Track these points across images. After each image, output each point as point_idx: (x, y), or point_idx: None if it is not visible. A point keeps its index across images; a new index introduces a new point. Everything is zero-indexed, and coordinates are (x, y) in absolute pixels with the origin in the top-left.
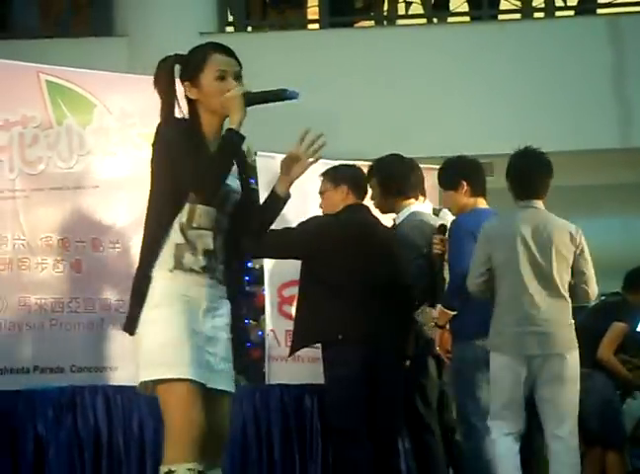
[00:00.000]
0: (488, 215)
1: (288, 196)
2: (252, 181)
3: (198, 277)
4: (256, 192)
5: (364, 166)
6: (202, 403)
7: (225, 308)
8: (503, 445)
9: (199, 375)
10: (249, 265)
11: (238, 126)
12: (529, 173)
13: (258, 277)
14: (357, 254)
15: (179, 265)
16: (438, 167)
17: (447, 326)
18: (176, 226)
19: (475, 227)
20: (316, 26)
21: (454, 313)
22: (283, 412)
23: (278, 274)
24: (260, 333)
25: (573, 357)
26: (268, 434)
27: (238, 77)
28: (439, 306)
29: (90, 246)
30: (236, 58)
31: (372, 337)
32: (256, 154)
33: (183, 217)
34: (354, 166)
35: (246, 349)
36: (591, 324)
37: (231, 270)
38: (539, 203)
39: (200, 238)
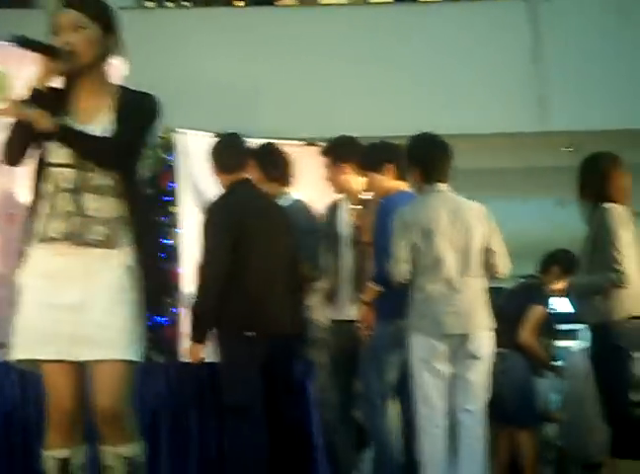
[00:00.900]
0: (412, 198)
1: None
2: (170, 157)
3: (59, 246)
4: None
5: (288, 145)
6: (72, 379)
7: (107, 272)
8: (430, 427)
9: (51, 353)
10: (164, 241)
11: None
12: (436, 157)
13: (172, 255)
14: (240, 234)
15: (41, 235)
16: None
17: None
18: (41, 193)
19: (401, 207)
20: (241, 3)
21: (381, 291)
22: (198, 388)
23: (193, 251)
24: (174, 310)
25: (488, 337)
26: (182, 410)
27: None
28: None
29: (5, 221)
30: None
31: (267, 316)
32: (174, 131)
33: (46, 183)
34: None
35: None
36: (509, 306)
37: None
38: (445, 186)
39: (61, 201)
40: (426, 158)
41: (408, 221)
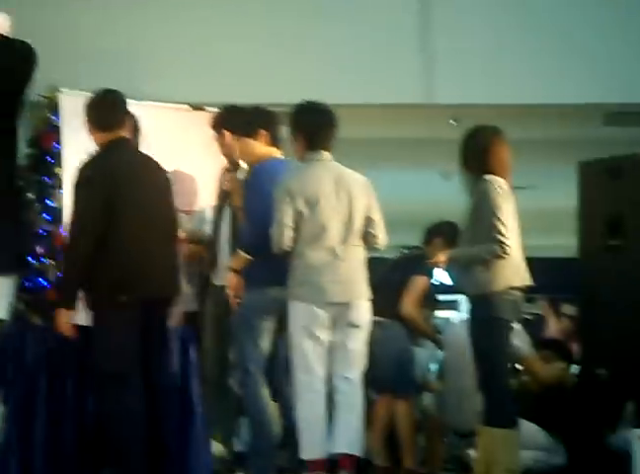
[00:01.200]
0: (285, 165)
1: None
2: (55, 118)
3: None
4: None
5: (174, 109)
6: None
7: None
8: (309, 393)
9: None
10: (48, 203)
11: None
12: (320, 125)
13: (56, 217)
14: (112, 196)
15: None
16: None
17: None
18: None
19: (276, 175)
20: None
21: (250, 258)
22: (80, 352)
23: None
24: (59, 274)
25: (367, 305)
26: (62, 372)
27: None
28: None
29: None
30: None
31: (142, 279)
32: (59, 91)
33: None
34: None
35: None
36: (392, 276)
37: None
38: (329, 155)
39: None
40: (310, 126)
41: (292, 189)
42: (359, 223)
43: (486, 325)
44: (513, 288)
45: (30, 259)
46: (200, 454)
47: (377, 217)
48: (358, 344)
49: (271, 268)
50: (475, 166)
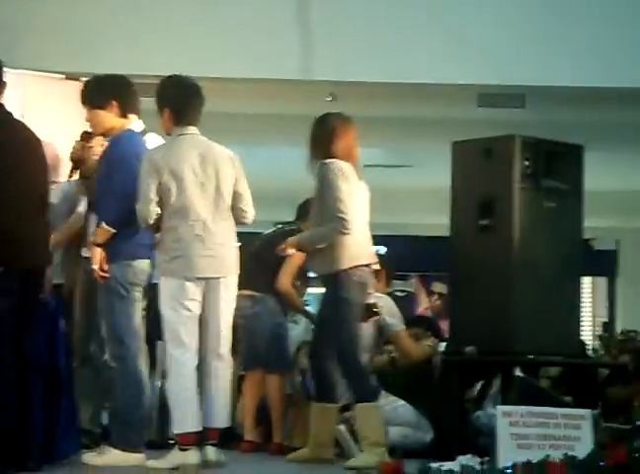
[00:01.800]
0: (140, 138)
1: None
2: None
3: None
4: None
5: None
6: None
7: None
8: (180, 367)
9: None
10: None
11: None
12: (187, 99)
13: None
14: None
15: None
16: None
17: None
18: None
19: (136, 147)
20: None
21: (113, 232)
22: None
23: None
24: None
25: (235, 280)
26: None
27: None
28: (102, 224)
29: None
30: None
31: (18, 250)
32: None
33: None
34: None
35: None
36: (266, 251)
37: None
38: (196, 130)
39: None
40: (176, 101)
41: (158, 163)
42: (227, 198)
43: (332, 303)
44: (358, 266)
45: None
46: (68, 428)
47: (245, 192)
48: (227, 319)
49: (137, 240)
50: (320, 151)
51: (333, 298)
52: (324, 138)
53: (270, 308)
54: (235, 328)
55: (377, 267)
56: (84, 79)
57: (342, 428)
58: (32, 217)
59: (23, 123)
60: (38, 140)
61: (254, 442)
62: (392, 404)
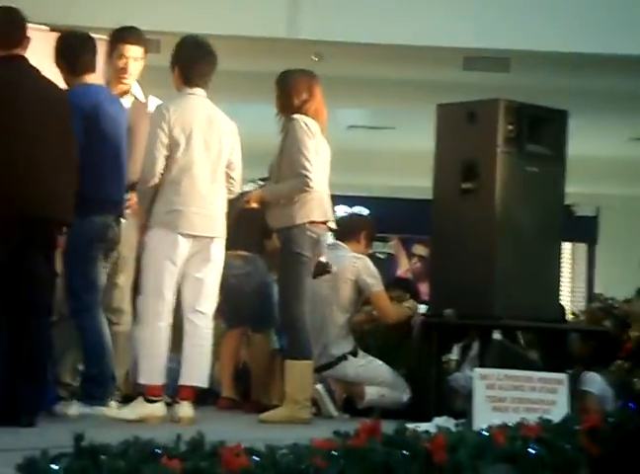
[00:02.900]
0: (100, 91)
1: None
2: None
3: None
4: None
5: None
6: None
7: None
8: (156, 320)
9: None
10: None
11: None
12: (197, 62)
13: None
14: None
15: None
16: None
17: None
18: None
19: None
20: None
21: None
22: None
23: None
24: None
25: (223, 242)
26: None
27: None
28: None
29: None
30: None
31: (17, 196)
32: None
33: None
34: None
35: None
36: (255, 211)
37: None
38: (203, 92)
39: None
40: (186, 61)
41: (169, 117)
42: (224, 163)
43: (285, 258)
44: (313, 222)
45: None
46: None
47: (239, 163)
48: (214, 278)
49: (100, 195)
50: (287, 107)
51: (286, 253)
52: (288, 95)
53: (258, 268)
54: (221, 287)
55: (333, 225)
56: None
57: (319, 387)
58: (42, 168)
59: (43, 77)
60: (58, 93)
61: (231, 399)
62: (370, 363)
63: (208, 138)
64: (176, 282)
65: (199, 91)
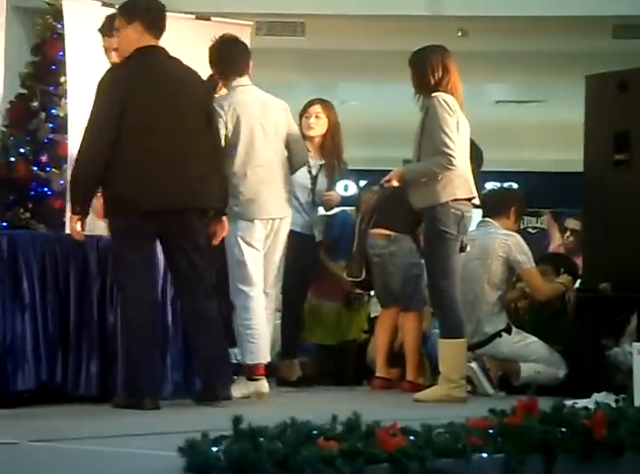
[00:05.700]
0: None
1: None
2: (59, 26)
3: None
4: None
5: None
6: None
7: None
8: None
9: None
10: (53, 111)
11: None
12: (239, 56)
13: (61, 126)
14: (131, 101)
15: None
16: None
17: None
18: None
19: None
20: None
21: None
22: (84, 260)
23: (81, 122)
24: (61, 182)
25: (289, 220)
26: (66, 280)
27: None
28: None
29: None
30: None
31: (149, 191)
32: None
33: None
34: None
35: None
36: (402, 191)
37: None
38: (248, 80)
39: None
40: (234, 56)
41: (226, 109)
42: (282, 143)
43: (430, 237)
44: (457, 200)
45: (35, 168)
46: None
47: (298, 138)
48: (279, 257)
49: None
50: (424, 86)
51: (431, 231)
52: (427, 72)
53: (406, 248)
54: (368, 267)
55: (477, 201)
56: (215, 19)
57: (474, 365)
58: (175, 159)
59: (182, 66)
60: (197, 79)
61: (385, 379)
62: (524, 340)
63: (265, 124)
64: (261, 266)
65: (244, 80)
